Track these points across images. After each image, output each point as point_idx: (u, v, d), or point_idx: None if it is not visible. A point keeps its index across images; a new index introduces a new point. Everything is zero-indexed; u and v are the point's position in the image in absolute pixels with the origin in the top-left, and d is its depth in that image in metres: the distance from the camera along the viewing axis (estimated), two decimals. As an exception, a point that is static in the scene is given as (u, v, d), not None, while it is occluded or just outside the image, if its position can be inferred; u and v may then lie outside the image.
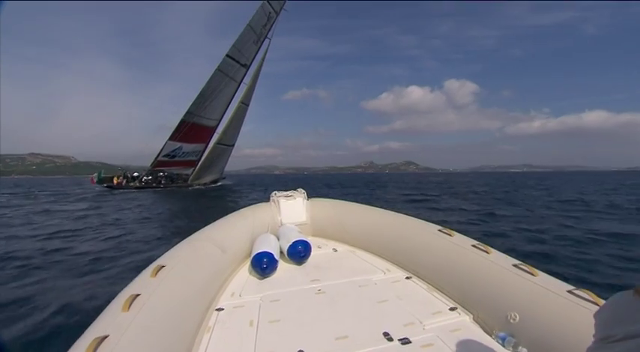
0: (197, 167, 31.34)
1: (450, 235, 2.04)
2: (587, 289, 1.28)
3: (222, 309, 1.62)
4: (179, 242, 1.89)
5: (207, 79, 27.42)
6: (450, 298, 1.76)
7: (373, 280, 2.01)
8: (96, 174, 26.07)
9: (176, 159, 29.63)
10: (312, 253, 2.40)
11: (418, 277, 2.04)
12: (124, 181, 26.50)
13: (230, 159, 35.08)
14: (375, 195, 18.99)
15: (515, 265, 1.60)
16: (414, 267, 2.10)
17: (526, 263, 1.58)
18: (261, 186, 33.88)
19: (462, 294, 1.71)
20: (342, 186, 32.37)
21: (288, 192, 3.16)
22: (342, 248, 2.71)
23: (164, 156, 28.60)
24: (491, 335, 1.44)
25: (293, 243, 2.31)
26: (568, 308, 1.23)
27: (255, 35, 28.64)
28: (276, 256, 2.15)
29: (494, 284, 1.58)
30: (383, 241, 2.46)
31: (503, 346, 1.34)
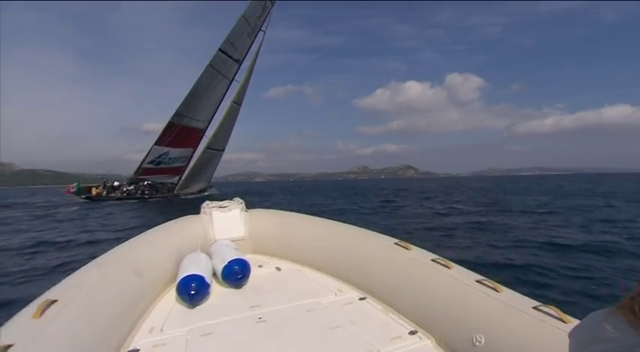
0: (184, 174, 28.83)
1: (408, 249, 1.93)
2: (552, 304, 1.24)
3: (138, 351, 1.38)
4: (81, 267, 1.58)
5: (198, 77, 24.98)
6: (410, 320, 1.65)
7: (323, 303, 1.87)
8: (75, 184, 24.02)
9: (161, 166, 27.05)
10: (251, 274, 2.18)
11: (374, 297, 1.91)
12: (104, 192, 24.19)
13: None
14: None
15: (478, 281, 1.52)
16: (369, 286, 1.97)
17: (489, 277, 1.52)
18: (260, 195, 31.49)
19: (422, 315, 1.60)
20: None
21: (222, 202, 2.84)
22: (287, 266, 2.49)
23: (149, 162, 26.08)
24: None
25: (228, 262, 2.09)
26: (534, 326, 1.19)
27: (250, 27, 26.17)
28: (208, 279, 1.94)
29: (457, 302, 1.49)
30: (334, 258, 2.29)
31: None
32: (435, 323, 1.53)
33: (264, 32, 27.94)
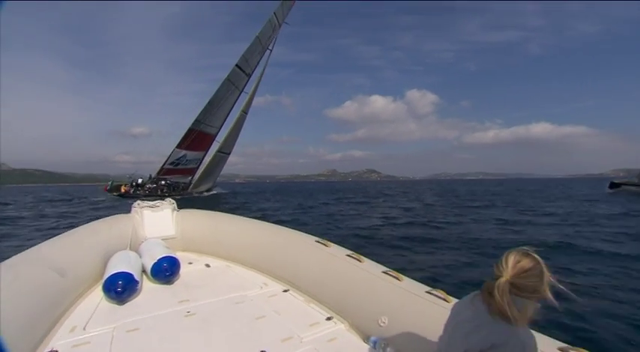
0: (198, 175, 31.91)
1: (327, 246, 2.13)
2: (441, 288, 1.52)
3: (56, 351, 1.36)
4: None
5: (217, 88, 28.59)
6: (327, 308, 1.85)
7: (250, 296, 2.00)
8: (110, 183, 27.00)
9: (179, 166, 30.00)
10: (181, 270, 2.30)
11: (296, 289, 2.09)
12: (132, 190, 26.54)
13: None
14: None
15: (384, 272, 1.77)
16: (292, 280, 2.14)
17: (394, 269, 1.77)
18: (257, 194, 35.09)
19: (337, 303, 1.81)
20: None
21: (154, 202, 2.96)
22: (216, 263, 2.62)
23: (169, 164, 28.92)
24: (364, 341, 1.59)
25: (158, 260, 2.17)
26: (427, 307, 1.42)
27: (261, 46, 30.57)
28: (137, 276, 1.99)
29: (367, 291, 1.72)
30: (260, 254, 2.45)
31: (375, 349, 1.49)
32: (348, 310, 1.76)
33: (271, 51, 32.54)
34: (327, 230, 9.37)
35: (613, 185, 29.34)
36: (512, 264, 0.91)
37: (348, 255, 2.01)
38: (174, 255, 2.30)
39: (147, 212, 2.87)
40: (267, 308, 1.88)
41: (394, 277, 1.73)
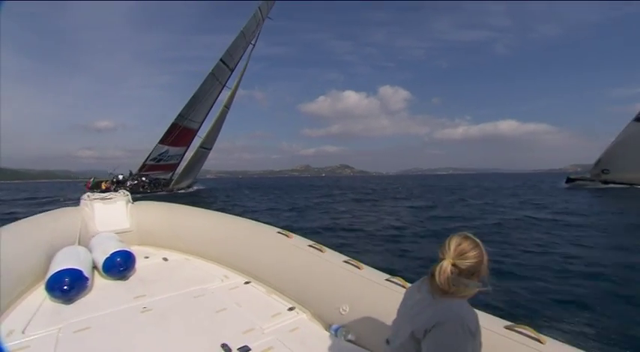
0: (180, 171, 31.37)
1: (288, 237, 2.18)
2: (400, 276, 1.59)
3: None
4: None
5: (201, 83, 28.22)
6: (289, 298, 1.89)
7: (210, 289, 1.99)
8: (92, 179, 26.39)
9: (161, 162, 29.47)
10: (136, 265, 2.24)
11: (258, 281, 2.11)
12: (112, 187, 25.76)
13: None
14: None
15: (345, 261, 1.85)
16: (254, 271, 2.16)
17: (355, 258, 1.85)
18: (243, 189, 35.01)
19: (299, 293, 1.86)
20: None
21: (106, 194, 2.88)
22: (174, 256, 2.58)
23: (151, 159, 28.31)
24: (326, 329, 1.65)
25: (111, 254, 2.09)
26: (386, 293, 1.48)
27: (245, 40, 30.53)
28: (87, 273, 1.88)
29: (328, 280, 1.79)
30: (220, 246, 2.44)
31: (336, 336, 1.56)
32: (310, 299, 1.80)
33: (254, 45, 32.51)
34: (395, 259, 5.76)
35: (569, 180, 30.89)
36: (453, 246, 0.99)
37: (310, 246, 2.05)
38: (128, 249, 2.24)
39: (98, 204, 2.75)
40: (228, 300, 1.87)
41: (355, 266, 1.80)
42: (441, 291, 0.99)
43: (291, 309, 1.82)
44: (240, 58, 32.02)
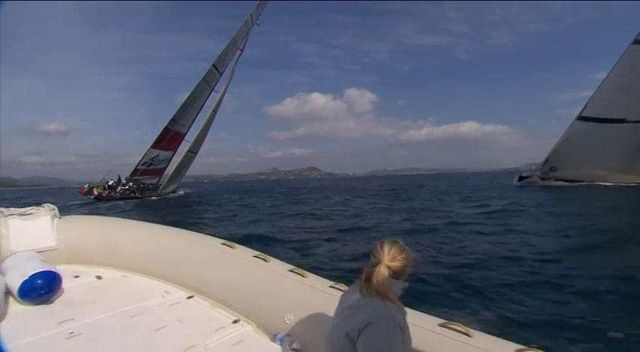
0: (168, 175, 31.64)
1: (233, 248, 2.18)
2: (343, 282, 1.65)
3: None
4: None
5: (194, 87, 28.84)
6: (234, 311, 1.88)
7: (149, 306, 1.93)
8: (87, 185, 26.36)
9: (151, 167, 29.58)
10: (64, 286, 2.07)
11: (201, 295, 2.08)
12: (104, 192, 25.72)
13: (116, 167, 34.26)
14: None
15: (290, 270, 1.88)
16: (197, 285, 2.12)
17: (301, 267, 1.89)
18: (232, 193, 35.70)
19: (244, 305, 1.85)
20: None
21: (25, 209, 2.60)
22: (109, 274, 2.43)
23: (142, 164, 28.43)
24: (272, 340, 1.66)
25: (30, 277, 1.90)
26: (330, 300, 1.45)
27: (236, 47, 31.55)
28: None
29: (273, 290, 1.81)
30: (161, 260, 2.36)
31: (282, 346, 1.58)
32: (255, 310, 1.80)
33: (242, 51, 33.54)
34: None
35: (521, 178, 31.60)
36: (386, 251, 1.10)
37: (255, 256, 2.07)
38: (53, 270, 2.07)
39: (14, 221, 2.48)
40: (169, 317, 1.83)
41: (299, 274, 1.85)
42: (376, 292, 1.08)
43: (235, 322, 1.83)
44: (229, 63, 33.00)
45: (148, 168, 29.43)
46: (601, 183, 26.79)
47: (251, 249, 2.22)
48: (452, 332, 1.35)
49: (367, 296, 1.10)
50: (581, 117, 29.20)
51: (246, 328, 1.79)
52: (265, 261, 2.03)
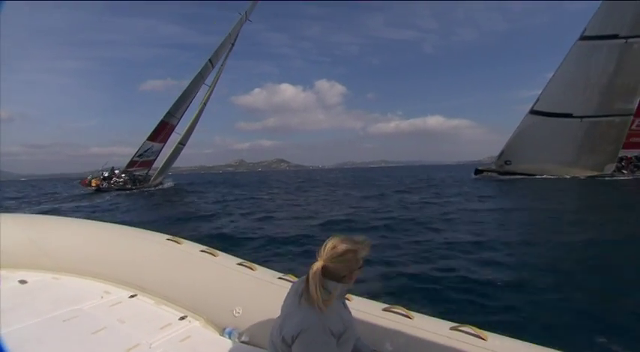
0: (160, 167, 32.54)
1: (179, 243, 2.15)
2: (293, 273, 1.71)
3: None
4: None
5: (190, 81, 30.09)
6: (181, 307, 1.86)
7: (85, 309, 1.84)
8: (89, 177, 27.00)
9: (143, 158, 30.52)
10: None
11: (145, 293, 2.02)
12: (103, 183, 26.43)
13: (70, 158, 34.40)
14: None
15: (239, 263, 1.91)
16: (140, 283, 2.06)
17: (248, 260, 1.93)
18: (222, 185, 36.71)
19: (192, 301, 1.84)
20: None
21: None
22: (37, 277, 2.23)
23: (138, 156, 29.38)
24: (220, 334, 1.67)
25: None
26: (278, 292, 1.47)
27: (230, 42, 32.55)
28: None
29: (222, 284, 1.83)
30: (100, 259, 2.25)
31: (230, 339, 1.61)
32: (203, 305, 1.80)
33: (233, 45, 34.19)
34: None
35: (477, 171, 31.78)
36: (328, 248, 1.05)
37: (203, 251, 2.08)
38: None
39: None
40: (109, 318, 1.76)
41: (248, 267, 1.89)
42: (308, 295, 1.04)
43: (182, 318, 1.80)
44: (221, 56, 33.75)
45: (141, 160, 30.37)
46: (552, 177, 27.14)
47: (198, 244, 2.23)
48: (395, 315, 1.49)
49: (301, 300, 1.08)
50: (533, 111, 29.78)
51: (194, 324, 1.78)
52: (213, 255, 2.04)
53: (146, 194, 24.20)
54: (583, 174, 27.50)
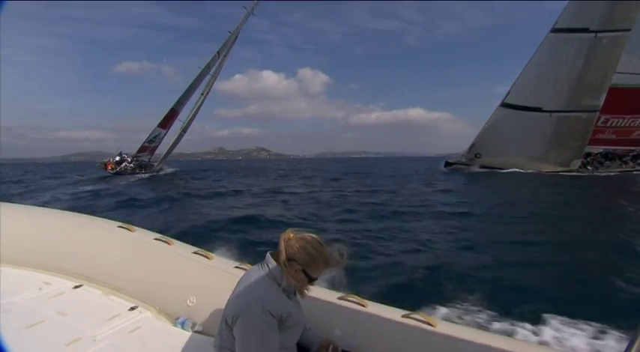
0: (165, 153, 34.60)
1: (131, 231, 2.10)
2: (250, 262, 1.73)
3: None
4: None
5: (199, 71, 31.98)
6: (131, 297, 1.83)
7: (19, 301, 1.76)
8: (111, 158, 28.48)
9: (152, 144, 32.53)
10: None
11: (92, 283, 1.96)
12: (117, 167, 27.87)
13: (37, 142, 35.31)
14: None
15: (194, 252, 1.92)
16: (86, 273, 2.00)
17: (204, 249, 1.97)
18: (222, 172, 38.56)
19: (144, 291, 1.82)
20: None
21: None
22: None
23: (147, 141, 31.26)
24: (173, 324, 1.67)
25: None
26: (233, 281, 1.40)
27: (236, 34, 34.15)
28: None
29: (176, 273, 1.83)
30: (41, 248, 2.15)
31: (183, 329, 1.62)
32: (155, 295, 1.79)
33: (236, 37, 35.21)
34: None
35: (447, 164, 31.72)
36: (283, 240, 1.16)
37: (157, 239, 2.05)
38: None
39: None
40: (48, 311, 1.68)
41: (204, 256, 1.90)
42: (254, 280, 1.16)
43: (132, 309, 1.77)
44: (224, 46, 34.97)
45: (149, 145, 32.27)
46: (522, 171, 27.20)
47: (152, 232, 2.19)
48: (349, 303, 1.54)
49: (249, 283, 1.17)
50: (503, 104, 29.70)
51: (145, 314, 1.75)
52: (167, 243, 2.02)
53: (165, 178, 25.72)
54: (551, 169, 27.84)
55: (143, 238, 2.10)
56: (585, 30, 27.27)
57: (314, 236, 1.21)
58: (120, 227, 2.18)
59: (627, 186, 18.62)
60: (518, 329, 2.92)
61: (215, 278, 1.77)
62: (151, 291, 1.84)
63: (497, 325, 2.99)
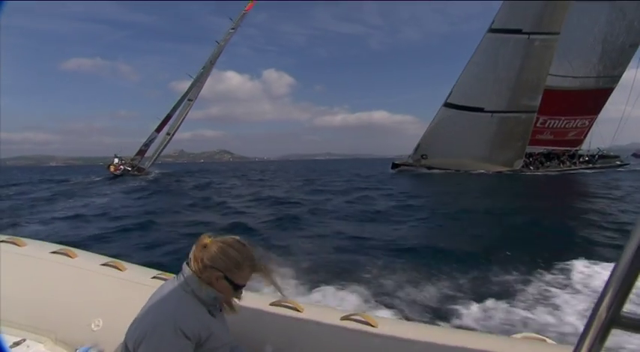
0: (156, 154, 35.78)
1: (19, 245, 1.78)
2: (167, 271, 1.59)
3: None
4: None
5: (201, 70, 33.56)
6: (17, 329, 1.53)
7: None
8: (114, 161, 30.30)
9: (147, 148, 34.42)
10: None
11: None
12: (119, 169, 29.10)
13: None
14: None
15: (103, 264, 1.66)
16: None
17: (119, 259, 1.69)
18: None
19: (35, 319, 1.55)
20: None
21: None
22: None
23: (144, 145, 33.49)
24: None
25: None
26: (150, 293, 1.21)
27: (234, 29, 34.69)
28: None
29: (78, 292, 1.56)
30: None
31: None
32: (51, 322, 1.53)
33: (234, 30, 35.01)
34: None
35: (394, 165, 30.92)
36: (198, 245, 1.02)
37: (54, 252, 1.75)
38: None
39: None
40: None
41: (114, 267, 1.66)
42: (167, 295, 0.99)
43: (17, 344, 1.49)
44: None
45: (145, 148, 34.26)
46: (468, 171, 27.19)
47: (50, 244, 1.89)
48: (283, 309, 1.44)
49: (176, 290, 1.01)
50: (446, 104, 29.37)
51: (35, 348, 1.49)
52: (69, 256, 1.72)
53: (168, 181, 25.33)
54: (496, 169, 27.88)
55: (36, 253, 1.76)
56: (519, 31, 27.55)
57: (235, 237, 1.08)
58: (3, 241, 1.79)
59: (556, 183, 21.52)
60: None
61: (127, 292, 1.53)
62: (45, 318, 1.56)
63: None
